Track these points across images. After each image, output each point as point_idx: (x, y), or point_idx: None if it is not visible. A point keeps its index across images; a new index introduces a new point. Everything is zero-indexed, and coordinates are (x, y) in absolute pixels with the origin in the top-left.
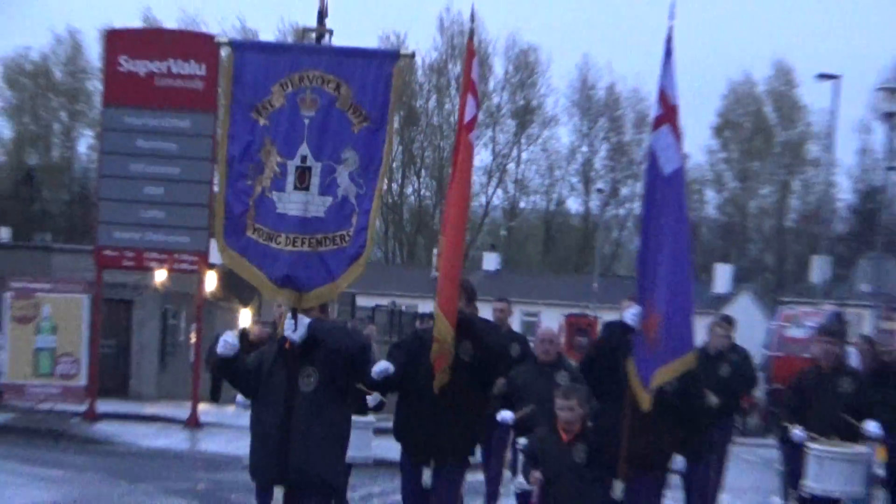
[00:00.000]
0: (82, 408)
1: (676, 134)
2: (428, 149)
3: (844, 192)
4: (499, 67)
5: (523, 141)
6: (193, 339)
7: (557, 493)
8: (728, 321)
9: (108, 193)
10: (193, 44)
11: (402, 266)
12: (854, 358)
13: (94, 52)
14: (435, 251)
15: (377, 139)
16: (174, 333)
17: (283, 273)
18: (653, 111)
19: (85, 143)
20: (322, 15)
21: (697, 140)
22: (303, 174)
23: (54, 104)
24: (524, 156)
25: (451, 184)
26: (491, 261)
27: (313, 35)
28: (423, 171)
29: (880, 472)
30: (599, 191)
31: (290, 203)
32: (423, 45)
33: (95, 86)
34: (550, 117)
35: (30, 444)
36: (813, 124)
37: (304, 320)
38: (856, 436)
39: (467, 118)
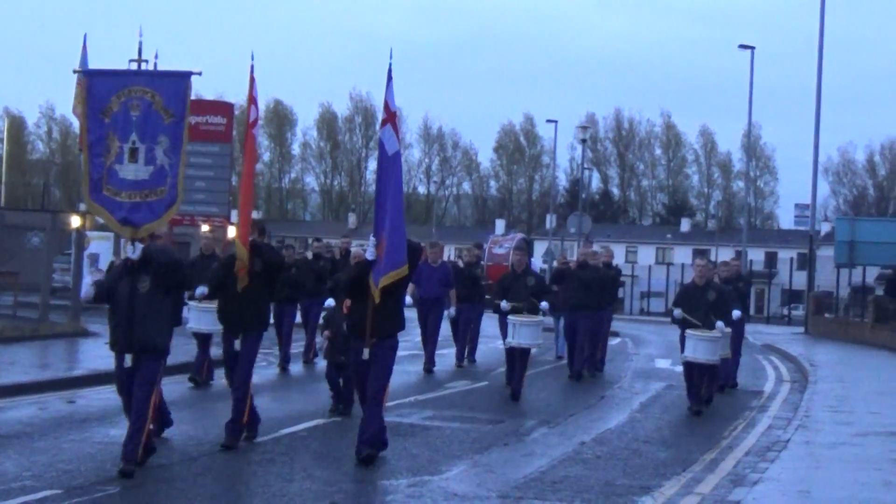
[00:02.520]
0: None
1: (395, 129)
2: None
3: (561, 181)
4: None
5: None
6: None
7: (335, 343)
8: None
9: None
10: (220, 107)
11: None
12: (535, 264)
13: None
14: None
15: (179, 128)
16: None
17: (123, 216)
18: (379, 115)
19: None
20: (140, 52)
21: (488, 154)
22: (133, 152)
23: None
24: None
25: (245, 164)
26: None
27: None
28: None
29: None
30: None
31: (127, 171)
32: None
33: None
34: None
35: None
36: (545, 146)
37: (139, 245)
38: (536, 310)
39: (251, 119)
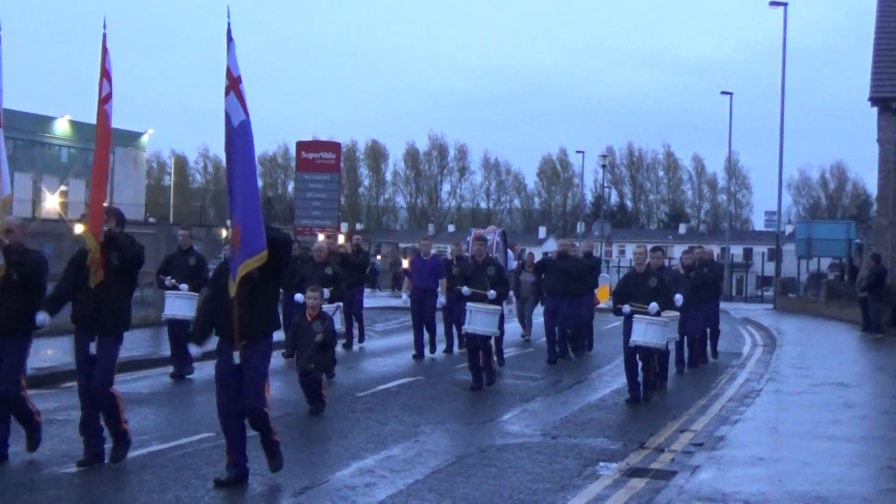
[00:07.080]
0: None
1: (239, 97)
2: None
3: (588, 197)
4: None
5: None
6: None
7: (302, 351)
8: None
9: (300, 204)
10: (329, 146)
11: None
12: (498, 254)
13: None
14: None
15: None
16: None
17: None
18: (224, 83)
19: (290, 185)
20: None
21: (532, 178)
22: None
23: (278, 170)
24: None
25: (96, 146)
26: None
27: None
28: None
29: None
30: None
31: None
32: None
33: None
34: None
35: None
36: (575, 170)
37: None
38: (497, 300)
39: (102, 95)
